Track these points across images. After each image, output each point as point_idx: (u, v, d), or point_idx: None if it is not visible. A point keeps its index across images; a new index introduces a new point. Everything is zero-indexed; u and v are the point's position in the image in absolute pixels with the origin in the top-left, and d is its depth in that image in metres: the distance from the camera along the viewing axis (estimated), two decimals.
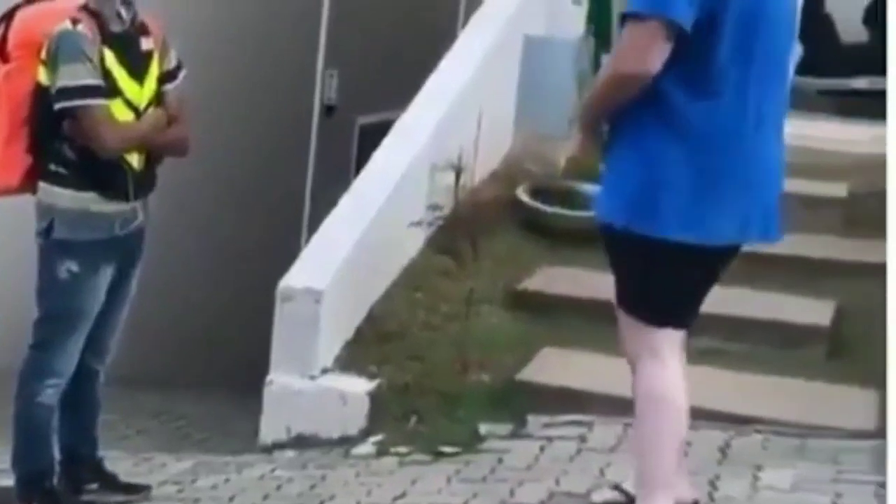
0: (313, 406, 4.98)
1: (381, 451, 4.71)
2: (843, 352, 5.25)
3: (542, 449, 4.48)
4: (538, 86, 6.99)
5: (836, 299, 5.56)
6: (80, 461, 4.32)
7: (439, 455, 4.56)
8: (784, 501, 3.88)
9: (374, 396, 4.97)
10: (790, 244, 5.87)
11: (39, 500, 4.17)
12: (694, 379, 3.53)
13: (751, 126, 3.35)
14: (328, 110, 10.02)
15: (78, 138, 3.98)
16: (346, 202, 5.56)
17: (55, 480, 4.21)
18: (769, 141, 3.43)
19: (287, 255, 5.42)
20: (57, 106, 3.95)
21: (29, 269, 4.15)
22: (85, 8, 4.00)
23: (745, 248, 3.56)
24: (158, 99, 4.13)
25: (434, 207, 5.77)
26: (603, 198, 3.45)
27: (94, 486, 4.35)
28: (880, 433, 4.40)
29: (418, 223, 5.68)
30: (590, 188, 5.29)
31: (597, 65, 7.57)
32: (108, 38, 3.98)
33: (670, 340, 3.47)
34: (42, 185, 4.06)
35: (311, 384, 5.01)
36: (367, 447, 4.77)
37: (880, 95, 9.22)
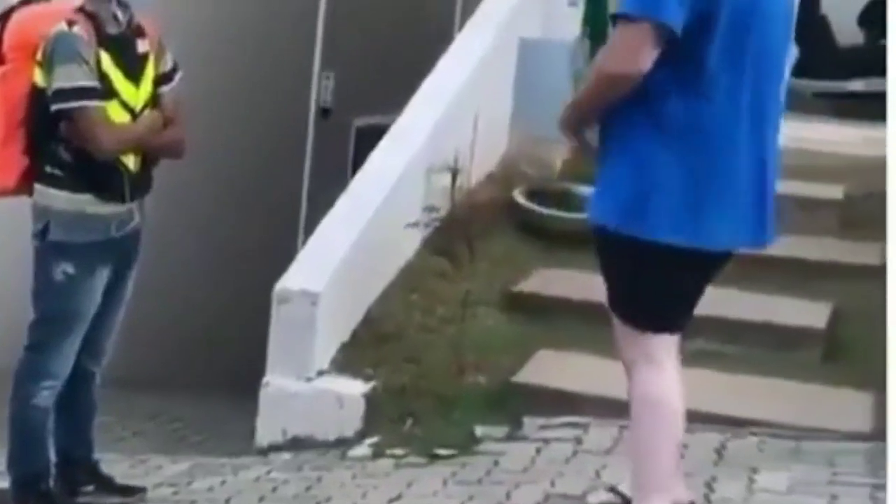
0: (309, 408, 4.98)
1: (377, 453, 4.71)
2: (839, 354, 5.25)
3: (538, 451, 4.48)
4: (534, 88, 6.99)
5: (831, 301, 5.57)
6: (75, 463, 4.32)
7: (435, 457, 4.56)
8: (780, 503, 3.88)
9: (371, 398, 4.97)
10: (786, 246, 5.87)
11: (35, 502, 4.17)
12: (690, 381, 3.54)
13: (744, 128, 3.34)
14: (324, 112, 10.00)
15: (74, 140, 3.98)
16: (343, 204, 5.56)
17: (51, 483, 4.21)
18: (764, 144, 3.41)
19: (283, 256, 5.41)
20: (53, 107, 3.95)
21: (27, 271, 4.15)
22: (81, 10, 4.00)
23: (741, 249, 3.56)
24: (154, 101, 4.13)
25: (430, 209, 5.77)
26: (595, 200, 3.44)
27: (90, 488, 4.35)
28: (876, 435, 4.41)
29: (415, 225, 5.68)
30: (586, 190, 5.29)
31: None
32: (105, 40, 3.99)
33: (666, 345, 3.47)
34: (38, 186, 4.06)
35: (308, 386, 5.01)
36: (363, 449, 4.77)
37: (876, 97, 9.26)
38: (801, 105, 8.68)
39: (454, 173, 5.75)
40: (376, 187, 5.63)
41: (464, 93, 6.30)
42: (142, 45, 4.10)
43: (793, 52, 7.37)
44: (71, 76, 3.91)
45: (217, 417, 6.98)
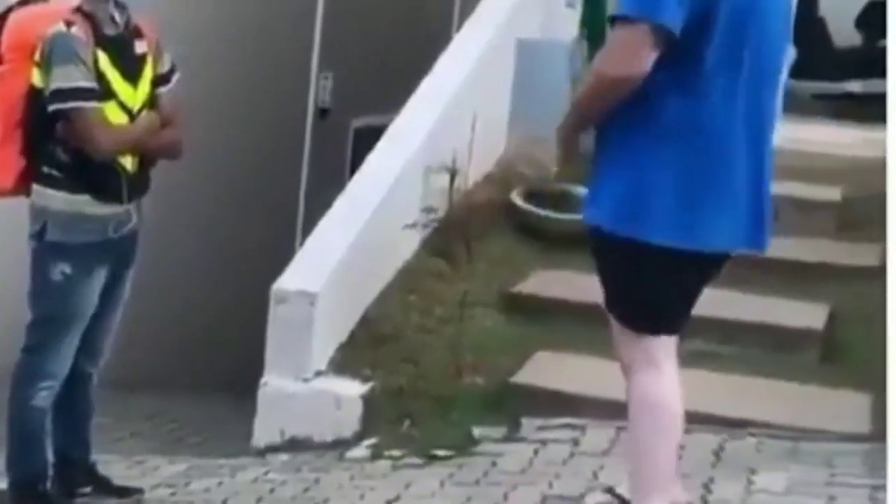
0: (307, 409, 4.98)
1: (375, 454, 4.71)
2: (837, 355, 5.25)
3: (535, 452, 4.48)
4: (532, 89, 6.99)
5: (829, 303, 5.57)
6: (72, 464, 4.32)
7: (433, 458, 4.56)
8: None
9: (368, 399, 4.97)
10: (784, 247, 5.89)
11: (33, 503, 4.16)
12: (687, 382, 3.53)
13: (742, 129, 3.33)
14: (322, 113, 10.01)
15: (71, 140, 3.98)
16: (341, 205, 5.56)
17: (48, 484, 4.20)
18: (761, 145, 3.40)
19: (281, 257, 5.41)
20: (50, 108, 3.95)
21: (26, 272, 4.14)
22: (79, 10, 4.00)
23: (738, 251, 3.55)
24: (152, 102, 4.12)
25: (428, 210, 5.77)
26: (590, 201, 3.42)
27: (88, 489, 4.34)
28: (874, 436, 4.41)
29: (412, 226, 5.68)
30: (584, 191, 5.28)
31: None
32: (102, 41, 3.98)
33: (664, 346, 3.46)
34: (35, 187, 4.06)
35: (305, 387, 5.01)
36: (360, 450, 4.77)
37: (874, 99, 9.27)
38: (798, 106, 8.69)
39: (452, 174, 5.74)
40: (374, 188, 5.63)
41: (462, 93, 6.30)
42: (139, 46, 4.09)
43: (791, 53, 7.37)
44: (68, 77, 3.90)
45: (215, 418, 6.97)
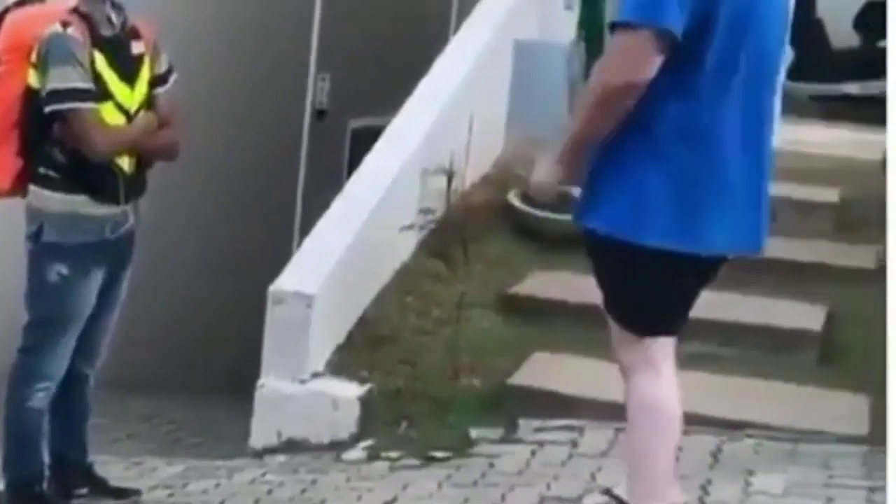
0: (304, 410, 4.97)
1: (372, 455, 4.70)
2: (835, 357, 5.25)
3: (533, 453, 4.48)
4: (529, 90, 6.99)
5: (827, 304, 5.57)
6: (69, 465, 4.31)
7: (430, 460, 4.55)
8: None
9: (365, 401, 4.96)
10: (781, 248, 5.90)
11: None
12: (685, 384, 3.53)
13: (741, 131, 3.31)
14: (320, 114, 10.00)
15: (68, 141, 3.97)
16: (338, 206, 5.56)
17: (45, 485, 4.20)
18: (759, 147, 3.40)
19: (278, 258, 5.40)
20: (47, 109, 3.94)
21: (23, 272, 4.14)
22: (75, 11, 3.99)
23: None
24: (149, 103, 4.12)
25: (425, 211, 5.76)
26: (586, 203, 3.38)
27: (84, 490, 4.34)
28: (871, 438, 4.41)
29: (410, 227, 5.67)
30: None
31: (588, 69, 7.59)
32: (99, 42, 3.98)
33: (663, 348, 3.46)
34: (32, 188, 4.05)
35: (302, 388, 5.00)
36: (357, 452, 4.76)
37: (872, 100, 9.28)
38: (796, 108, 8.70)
39: (449, 175, 5.74)
40: (371, 189, 5.62)
41: (459, 95, 6.29)
42: (136, 47, 4.09)
43: (788, 55, 7.38)
44: (65, 77, 3.90)
45: (212, 420, 6.96)
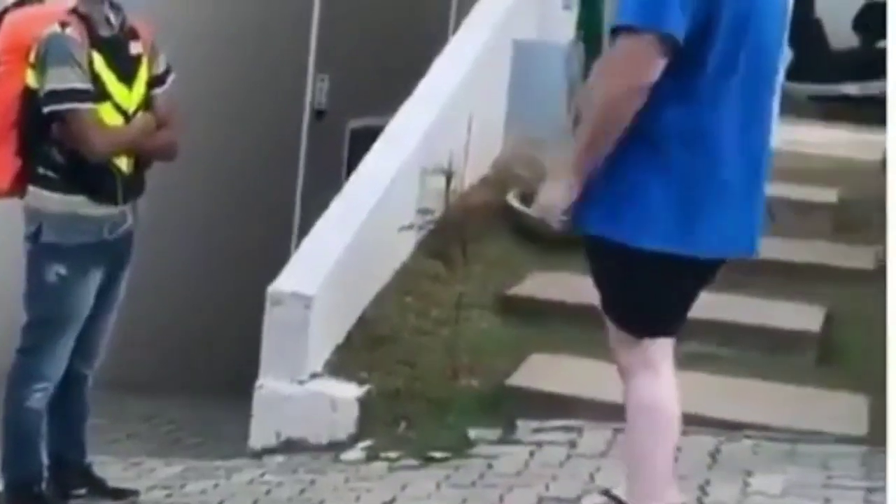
0: (303, 411, 4.97)
1: (371, 456, 4.70)
2: (834, 357, 5.26)
3: (531, 454, 4.48)
4: (528, 90, 6.99)
5: (826, 305, 5.57)
6: (68, 466, 4.31)
7: (429, 460, 4.55)
8: None
9: (364, 401, 4.96)
10: (780, 249, 5.92)
11: None
12: (684, 384, 3.53)
13: (740, 133, 3.30)
14: (318, 114, 10.00)
15: (67, 142, 3.97)
16: (337, 206, 5.55)
17: (44, 485, 4.20)
18: (758, 148, 3.39)
19: (277, 259, 5.40)
20: (45, 109, 3.94)
21: (22, 273, 4.13)
22: (74, 11, 3.99)
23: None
24: (147, 103, 4.12)
25: (424, 212, 5.76)
26: (585, 205, 3.35)
27: (83, 490, 4.34)
28: (870, 439, 4.41)
29: (409, 227, 5.67)
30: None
31: (587, 69, 7.59)
32: (97, 42, 3.98)
33: (661, 349, 3.45)
34: (31, 188, 4.05)
35: (301, 389, 5.00)
36: (356, 452, 4.76)
37: (870, 101, 9.29)
38: (795, 108, 8.70)
39: (448, 176, 5.73)
40: (370, 189, 5.62)
41: (458, 95, 6.29)
42: (135, 48, 4.09)
43: (787, 55, 7.38)
44: (63, 78, 3.90)
45: (211, 420, 6.96)
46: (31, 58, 3.96)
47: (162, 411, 7.45)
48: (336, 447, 4.84)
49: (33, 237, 4.05)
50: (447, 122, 6.10)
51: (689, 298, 3.50)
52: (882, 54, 8.40)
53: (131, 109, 4.06)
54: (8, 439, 4.17)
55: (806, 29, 9.33)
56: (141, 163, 4.15)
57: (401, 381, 5.06)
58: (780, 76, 4.51)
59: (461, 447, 4.62)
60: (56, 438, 4.24)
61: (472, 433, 4.72)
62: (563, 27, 7.68)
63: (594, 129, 3.24)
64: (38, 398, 4.11)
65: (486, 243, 6.13)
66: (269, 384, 5.02)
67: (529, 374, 5.04)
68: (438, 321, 5.45)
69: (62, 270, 4.01)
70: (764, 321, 5.38)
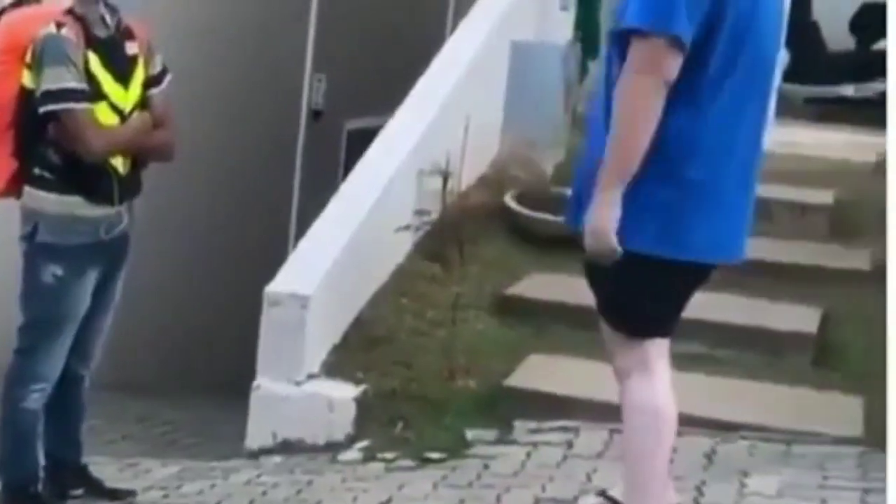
0: (300, 411, 4.97)
1: (368, 456, 4.71)
2: (830, 358, 5.26)
3: (528, 455, 4.48)
4: (526, 91, 6.99)
5: (822, 306, 5.57)
6: (64, 466, 4.31)
7: (426, 461, 4.55)
8: None
9: (361, 402, 4.96)
10: (777, 250, 5.93)
11: None
12: (680, 385, 3.53)
13: (740, 137, 3.31)
14: (316, 115, 10.00)
15: (63, 142, 3.97)
16: (334, 207, 5.56)
17: (40, 486, 4.20)
18: (755, 151, 3.40)
19: (274, 259, 5.41)
20: (41, 109, 3.94)
21: (19, 273, 4.13)
22: (70, 12, 3.99)
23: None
24: (143, 103, 4.12)
25: (421, 212, 5.76)
26: (581, 207, 3.34)
27: (79, 491, 4.34)
28: (866, 440, 4.41)
29: (406, 228, 5.67)
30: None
31: (584, 70, 7.60)
32: (93, 43, 3.97)
33: (657, 349, 3.46)
34: (27, 189, 4.05)
35: (298, 390, 5.00)
36: (353, 453, 4.76)
37: (867, 102, 9.29)
38: (791, 110, 8.71)
39: (445, 177, 5.74)
40: (367, 190, 5.63)
41: (455, 96, 6.30)
42: (131, 48, 4.08)
43: (783, 58, 7.39)
44: (59, 78, 3.89)
45: (207, 421, 6.97)
46: (28, 58, 3.96)
47: (159, 412, 7.45)
48: (333, 448, 4.84)
49: (29, 237, 4.04)
50: (444, 123, 6.10)
51: (684, 299, 3.50)
52: (878, 56, 8.42)
53: (127, 109, 4.06)
54: (5, 440, 4.17)
55: (803, 31, 9.34)
56: (137, 163, 4.15)
57: (397, 381, 5.06)
58: (777, 78, 4.52)
59: (458, 448, 4.63)
60: (53, 439, 4.24)
61: (469, 434, 4.73)
62: (561, 28, 7.69)
63: (624, 133, 3.21)
64: (35, 398, 4.11)
65: (482, 244, 6.14)
66: (266, 384, 5.02)
67: (526, 375, 5.05)
68: (435, 322, 5.45)
69: (58, 271, 4.01)
70: (760, 322, 5.38)
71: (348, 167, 6.20)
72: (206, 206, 8.88)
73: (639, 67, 3.17)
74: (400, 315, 5.51)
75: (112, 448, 5.80)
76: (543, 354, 5.22)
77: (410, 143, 5.94)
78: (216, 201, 8.97)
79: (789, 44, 5.96)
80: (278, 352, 5.03)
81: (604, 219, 3.20)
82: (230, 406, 5.58)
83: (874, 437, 4.29)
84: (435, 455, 4.58)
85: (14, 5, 4.13)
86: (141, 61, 4.11)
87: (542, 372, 5.08)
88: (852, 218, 6.50)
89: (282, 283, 5.09)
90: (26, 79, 3.97)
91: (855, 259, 6.02)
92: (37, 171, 4.02)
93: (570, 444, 4.52)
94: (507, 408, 4.84)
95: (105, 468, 4.67)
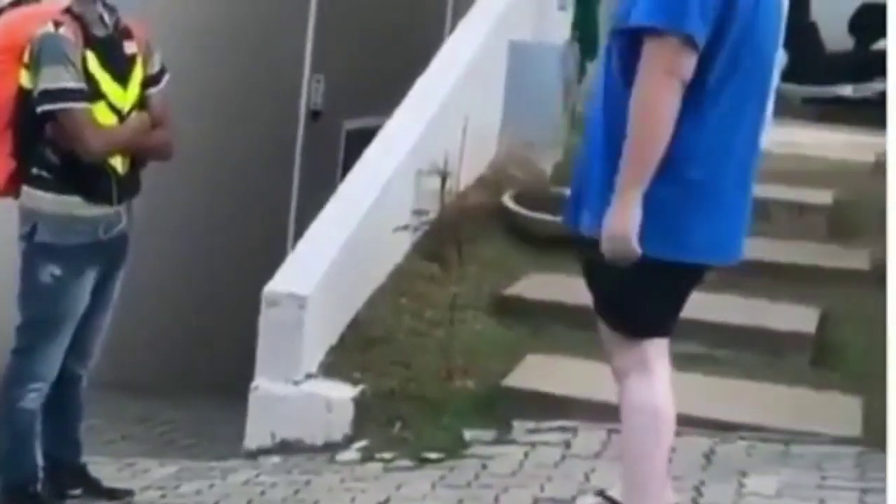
0: (298, 412, 4.97)
1: (366, 456, 4.70)
2: (829, 359, 5.26)
3: (526, 455, 4.48)
4: (524, 91, 6.99)
5: (821, 306, 5.57)
6: (63, 466, 4.31)
7: (424, 461, 4.55)
8: None
9: (359, 402, 4.96)
10: (775, 250, 5.93)
11: None
12: (679, 385, 3.53)
13: (733, 139, 3.30)
14: (314, 115, 10.00)
15: (61, 142, 3.97)
16: (332, 207, 5.55)
17: (39, 486, 4.19)
18: (754, 152, 3.40)
19: (273, 259, 5.40)
20: (38, 109, 3.93)
21: (17, 273, 4.13)
22: (68, 11, 3.99)
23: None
24: (142, 103, 4.11)
25: (420, 213, 5.76)
26: (585, 208, 3.35)
27: (78, 491, 4.34)
28: (864, 440, 4.41)
29: (404, 228, 5.67)
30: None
31: (582, 70, 7.60)
32: (91, 42, 3.97)
33: (656, 349, 3.46)
34: (25, 188, 4.05)
35: (296, 390, 5.00)
36: (351, 453, 4.76)
37: (865, 103, 9.30)
38: (790, 110, 8.71)
39: (444, 177, 5.73)
40: (366, 190, 5.62)
41: (453, 96, 6.29)
42: (129, 47, 4.08)
43: (782, 59, 7.40)
44: (57, 77, 3.89)
45: (206, 421, 6.96)
46: (26, 58, 3.95)
47: (157, 412, 7.44)
48: (331, 448, 4.84)
49: (28, 237, 4.04)
50: (443, 124, 6.10)
51: (682, 299, 3.50)
52: (877, 56, 8.43)
53: (126, 109, 4.05)
54: (3, 440, 4.16)
55: (802, 32, 9.34)
56: (136, 163, 4.15)
57: (396, 381, 5.06)
58: (775, 79, 4.52)
59: (456, 448, 4.63)
60: (51, 439, 4.24)
61: (467, 434, 4.73)
62: (559, 28, 7.68)
63: (641, 135, 3.18)
64: (33, 398, 4.10)
65: (481, 244, 6.14)
66: (264, 385, 5.02)
67: (524, 375, 5.05)
68: (433, 322, 5.45)
69: (57, 271, 4.01)
70: (758, 322, 5.38)
71: (347, 167, 6.20)
72: (204, 206, 8.88)
73: (654, 68, 3.15)
74: (398, 315, 5.51)
75: (110, 448, 5.80)
76: (541, 354, 5.22)
77: (409, 143, 5.94)
78: (215, 201, 8.97)
79: (788, 44, 5.98)
80: (276, 352, 5.03)
81: (625, 222, 3.18)
82: (229, 406, 5.58)
83: (873, 437, 4.29)
84: (433, 455, 4.58)
85: (12, 4, 4.13)
86: (139, 61, 4.10)
87: (541, 372, 5.08)
88: (851, 218, 6.50)
89: (280, 284, 5.09)
90: (24, 78, 3.97)
91: (853, 259, 6.02)
92: (35, 170, 4.02)
93: (568, 444, 4.52)
94: (506, 408, 4.84)
95: (103, 468, 4.67)
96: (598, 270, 3.40)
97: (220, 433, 5.97)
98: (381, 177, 5.71)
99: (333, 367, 5.14)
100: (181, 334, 8.68)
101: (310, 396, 4.97)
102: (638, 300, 3.38)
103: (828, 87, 9.82)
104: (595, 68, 6.88)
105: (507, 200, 6.47)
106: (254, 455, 4.95)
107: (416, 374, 5.11)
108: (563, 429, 4.64)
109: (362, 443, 4.81)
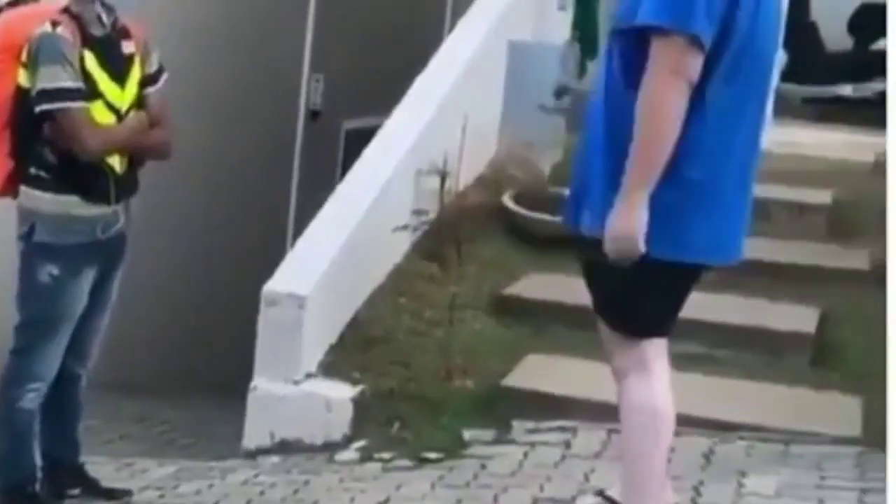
0: (297, 411, 4.96)
1: (365, 456, 4.70)
2: (828, 358, 5.26)
3: (525, 455, 4.47)
4: (523, 91, 6.99)
5: (820, 306, 5.57)
6: (61, 466, 4.31)
7: (423, 461, 4.55)
8: None
9: (358, 402, 4.96)
10: (775, 250, 5.92)
11: None
12: (678, 385, 3.53)
13: (734, 139, 3.30)
14: (314, 115, 10.00)
15: (59, 141, 3.96)
16: (332, 207, 5.55)
17: (37, 486, 4.19)
18: (748, 154, 3.39)
19: (272, 259, 5.40)
20: (36, 108, 3.93)
21: (15, 273, 4.13)
22: (66, 11, 3.99)
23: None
24: (140, 102, 4.11)
25: (419, 212, 5.75)
26: (585, 208, 3.34)
27: (76, 491, 4.34)
28: (864, 440, 4.41)
29: (403, 228, 5.66)
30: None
31: (582, 70, 7.59)
32: (89, 41, 3.97)
33: (655, 349, 3.45)
34: (23, 188, 4.04)
35: (295, 390, 5.00)
36: (350, 453, 4.76)
37: (865, 102, 9.29)
38: (789, 110, 8.71)
39: (443, 176, 5.73)
40: (365, 190, 5.62)
41: (453, 96, 6.29)
42: (127, 47, 4.08)
43: (782, 58, 7.39)
44: (54, 77, 3.89)
45: (205, 421, 6.96)
46: (24, 57, 3.95)
47: (156, 412, 7.44)
48: (330, 448, 4.84)
49: (26, 237, 4.04)
50: (442, 123, 6.10)
51: (682, 299, 3.50)
52: (876, 56, 8.42)
53: (124, 108, 4.05)
54: (2, 440, 4.16)
55: (801, 32, 9.33)
56: (134, 162, 4.15)
57: (395, 381, 5.06)
58: (775, 79, 4.51)
59: (455, 448, 4.62)
60: (49, 438, 4.23)
61: (467, 434, 4.72)
62: (559, 28, 7.67)
63: (648, 136, 3.16)
64: (32, 398, 4.10)
65: (480, 244, 6.13)
66: (263, 385, 5.01)
67: (524, 375, 5.04)
68: (432, 322, 5.44)
69: (55, 270, 4.00)
70: (758, 322, 5.38)
71: (346, 167, 6.19)
72: (203, 206, 8.88)
73: (660, 68, 3.14)
74: (397, 315, 5.50)
75: (109, 448, 5.79)
76: (541, 354, 5.22)
77: (408, 142, 5.93)
78: (214, 201, 8.96)
79: (787, 44, 5.97)
80: (275, 352, 5.03)
81: (631, 223, 3.17)
82: (228, 406, 5.58)
83: (872, 437, 4.29)
84: (432, 455, 4.57)
85: (11, 4, 4.13)
86: (137, 60, 4.10)
87: (540, 372, 5.08)
88: (850, 218, 6.49)
89: (279, 283, 5.09)
90: (22, 78, 3.97)
91: (853, 259, 6.01)
92: (33, 170, 4.02)
93: (567, 444, 4.52)
94: (505, 408, 4.84)
95: (102, 468, 4.67)
96: (598, 270, 3.40)
97: (219, 433, 5.96)
98: (381, 176, 5.71)
99: (333, 366, 5.14)
100: (180, 334, 8.68)
101: (309, 396, 4.97)
102: (638, 300, 3.38)
103: (827, 87, 9.81)
104: (595, 68, 6.89)
105: (507, 200, 6.46)
106: (253, 455, 4.95)
107: (415, 374, 5.11)
108: (562, 429, 4.64)
109: (361, 443, 4.81)
